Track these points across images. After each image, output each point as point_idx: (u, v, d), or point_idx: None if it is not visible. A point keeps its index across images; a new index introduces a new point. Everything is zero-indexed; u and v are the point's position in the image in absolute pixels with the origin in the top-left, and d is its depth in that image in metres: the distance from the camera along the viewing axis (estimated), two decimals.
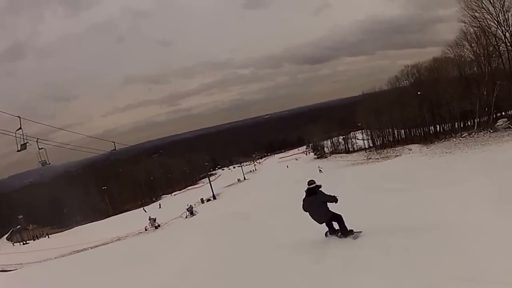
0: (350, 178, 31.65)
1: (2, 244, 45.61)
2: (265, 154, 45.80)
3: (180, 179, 42.91)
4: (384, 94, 39.01)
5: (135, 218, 37.58)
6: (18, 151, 17.79)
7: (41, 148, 18.75)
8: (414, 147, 35.99)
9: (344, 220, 8.45)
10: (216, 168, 45.38)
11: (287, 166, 42.26)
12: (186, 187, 42.68)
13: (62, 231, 44.76)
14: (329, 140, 42.10)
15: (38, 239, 44.96)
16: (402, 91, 38.07)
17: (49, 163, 19.89)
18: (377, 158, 38.05)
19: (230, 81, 45.99)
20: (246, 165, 43.84)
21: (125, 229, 34.66)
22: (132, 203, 42.11)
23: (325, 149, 41.93)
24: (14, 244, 43.64)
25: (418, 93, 35.25)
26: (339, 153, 41.16)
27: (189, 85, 51.69)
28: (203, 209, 36.11)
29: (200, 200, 38.47)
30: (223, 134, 45.02)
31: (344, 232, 8.46)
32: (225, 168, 45.35)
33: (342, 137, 41.51)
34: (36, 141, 18.01)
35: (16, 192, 46.22)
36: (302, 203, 8.78)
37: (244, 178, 42.11)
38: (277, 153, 45.17)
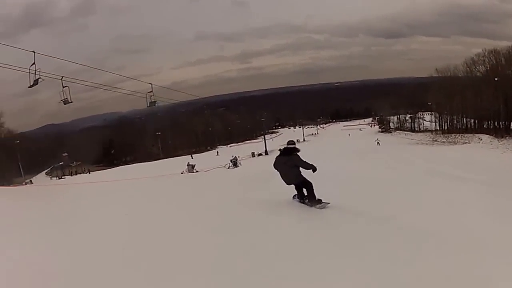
0: (412, 157, 29.61)
1: (39, 178, 44.72)
2: (330, 120, 45.66)
3: (240, 133, 42.97)
4: (457, 78, 38.27)
5: (182, 163, 36.80)
6: (30, 86, 17.79)
7: (65, 86, 18.89)
8: (485, 137, 35.46)
9: (313, 189, 8.46)
10: (279, 127, 45.37)
11: (349, 134, 42.39)
12: (244, 141, 42.38)
13: (105, 169, 44.49)
14: (396, 116, 41.81)
15: (75, 174, 45.49)
16: (477, 77, 37.38)
17: (72, 101, 20.17)
18: (443, 142, 38.04)
19: (304, 45, 45.12)
20: (309, 127, 43.72)
21: (166, 171, 33.58)
22: (186, 150, 41.85)
23: (391, 124, 41.82)
24: (52, 178, 44.85)
25: (496, 79, 34.47)
26: (404, 130, 41.19)
27: (262, 44, 50.72)
28: (249, 163, 36.03)
29: (251, 154, 39.10)
30: (291, 96, 44.46)
31: (312, 200, 8.49)
32: (288, 128, 45.26)
33: (409, 115, 41.26)
34: (61, 79, 18.01)
35: (74, 134, 46.18)
36: (274, 160, 8.97)
37: (304, 140, 41.94)
38: (342, 121, 45.04)
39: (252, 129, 44.57)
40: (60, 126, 45.14)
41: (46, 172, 46.29)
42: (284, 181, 8.65)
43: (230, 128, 42.68)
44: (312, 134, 44.60)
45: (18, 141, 45.77)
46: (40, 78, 17.68)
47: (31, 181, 43.70)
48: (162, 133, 41.67)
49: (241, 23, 46.05)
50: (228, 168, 34.10)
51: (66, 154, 49.29)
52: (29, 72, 17.63)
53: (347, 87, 42.31)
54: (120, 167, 44.23)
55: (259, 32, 46.22)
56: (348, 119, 44.26)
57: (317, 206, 8.25)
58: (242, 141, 43.61)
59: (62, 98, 19.42)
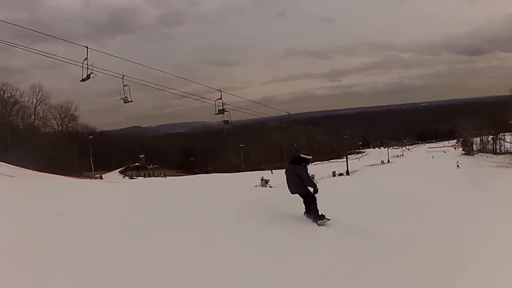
0: (488, 180, 28.04)
1: (110, 175, 45.56)
2: (416, 141, 45.79)
3: (325, 152, 43.00)
4: None
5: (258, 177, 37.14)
6: (82, 80, 18.31)
7: (126, 85, 19.14)
8: None
9: (316, 203, 7.94)
10: (365, 147, 45.37)
11: (433, 157, 42.76)
12: (330, 159, 42.52)
13: (183, 175, 44.94)
14: (478, 137, 42.13)
15: (149, 177, 46.02)
16: None
17: (131, 100, 20.19)
18: None
19: (391, 63, 45.24)
20: (395, 148, 43.86)
21: (241, 183, 33.91)
22: (269, 164, 42.13)
23: (474, 145, 42.19)
24: (124, 177, 45.62)
25: None
26: (486, 152, 41.65)
27: (350, 63, 50.41)
28: (326, 182, 33.74)
29: (331, 173, 38.86)
30: (379, 115, 44.54)
31: (313, 214, 7.95)
32: (375, 148, 45.31)
33: (491, 136, 41.57)
34: (122, 77, 18.23)
35: (157, 139, 45.95)
36: None
37: (388, 161, 42.31)
38: (427, 143, 45.18)
39: (339, 148, 44.90)
40: (145, 130, 45.08)
41: (120, 171, 46.76)
42: (289, 189, 8.33)
43: (316, 146, 42.71)
44: (397, 155, 44.92)
45: (91, 137, 46.69)
46: (92, 73, 17.86)
47: (101, 176, 44.03)
48: (246, 146, 41.69)
49: (329, 40, 45.80)
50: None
51: (143, 156, 49.59)
52: (82, 67, 17.94)
53: (433, 107, 42.35)
54: (198, 175, 44.46)
55: (347, 49, 46.11)
56: (433, 140, 44.45)
57: (318, 222, 7.84)
58: (327, 160, 43.79)
59: (122, 97, 19.56)
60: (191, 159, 45.69)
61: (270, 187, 31.30)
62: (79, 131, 47.47)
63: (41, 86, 42.46)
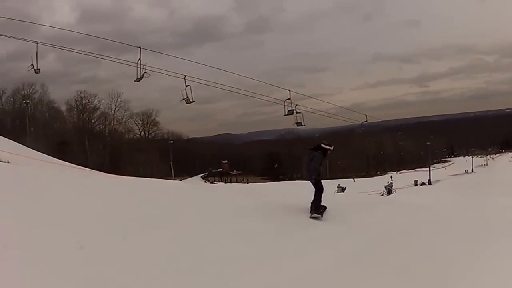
0: None
1: (191, 180, 47.05)
2: (500, 150, 46.29)
3: (412, 160, 43.53)
4: None
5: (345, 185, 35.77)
6: (136, 80, 18.23)
7: (187, 85, 18.30)
8: None
9: (321, 194, 7.75)
10: (452, 156, 45.85)
11: None
12: (416, 168, 43.10)
13: (267, 182, 45.89)
14: None
15: (230, 182, 47.01)
16: None
17: (193, 101, 19.46)
18: None
19: (476, 67, 45.57)
20: (479, 157, 44.26)
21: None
22: (354, 172, 42.92)
23: None
24: (205, 182, 46.51)
25: None
26: None
27: (437, 67, 51.08)
28: (406, 192, 34.19)
29: (413, 182, 39.08)
30: (465, 122, 45.09)
31: (314, 205, 7.69)
32: (460, 157, 45.65)
33: None
34: (184, 77, 17.58)
35: (245, 145, 47.28)
36: None
37: (472, 171, 42.86)
38: (510, 152, 45.55)
39: (425, 156, 45.22)
40: (236, 137, 46.17)
41: (202, 176, 47.90)
42: (305, 173, 8.23)
43: (403, 153, 43.32)
44: (482, 164, 45.08)
45: (171, 141, 48.34)
46: (146, 73, 17.39)
47: (180, 180, 45.55)
48: (333, 153, 42.16)
49: (415, 43, 46.67)
50: (382, 195, 31.25)
51: (226, 161, 50.68)
52: (137, 67, 17.80)
53: None
54: (281, 182, 45.47)
55: (433, 53, 47.04)
56: None
57: (312, 214, 7.49)
58: (413, 168, 44.02)
59: (184, 97, 21.70)
60: (275, 166, 46.65)
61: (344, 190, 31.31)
62: (164, 137, 49.08)
63: (120, 93, 45.58)
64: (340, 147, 44.78)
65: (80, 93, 44.70)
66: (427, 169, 43.60)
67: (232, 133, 46.55)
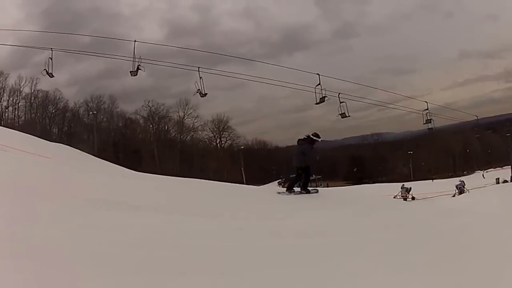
0: None
1: (270, 186, 47.89)
2: None
3: (500, 158, 42.18)
4: None
5: (427, 187, 33.16)
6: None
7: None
8: None
9: (309, 178, 9.93)
10: None
11: None
12: (503, 166, 41.83)
13: (349, 185, 45.76)
14: None
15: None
16: None
17: (206, 93, 22.55)
18: None
19: None
20: None
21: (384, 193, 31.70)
22: (439, 173, 42.11)
23: None
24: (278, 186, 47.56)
25: None
26: None
27: None
28: (482, 192, 31.34)
29: (495, 180, 37.87)
30: None
31: (303, 185, 9.73)
32: None
33: None
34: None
35: (334, 150, 47.93)
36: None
37: None
38: None
39: None
40: (331, 143, 46.72)
41: (278, 182, 48.40)
42: (294, 163, 9.95)
43: (490, 151, 42.36)
44: None
45: (242, 147, 48.92)
46: (140, 65, 20.12)
47: None
48: (419, 154, 42.17)
49: (497, 38, 46.10)
50: (454, 195, 28.02)
51: None
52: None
53: None
54: (360, 185, 45.24)
55: None
56: None
57: (302, 190, 9.63)
58: (500, 166, 42.43)
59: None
60: (354, 170, 46.90)
61: (412, 198, 29.04)
62: (239, 143, 49.99)
63: (188, 100, 46.43)
64: (424, 148, 44.41)
65: (148, 102, 46.32)
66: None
67: (327, 139, 46.86)
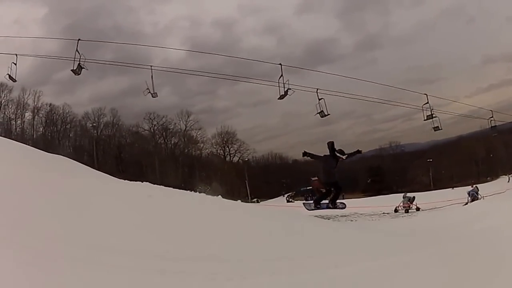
0: None
1: (278, 200, 44.97)
2: None
3: None
4: None
5: (447, 195, 31.10)
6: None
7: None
8: None
9: (339, 194, 10.66)
10: None
11: None
12: None
13: (365, 197, 44.08)
14: None
15: None
16: None
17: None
18: None
19: None
20: None
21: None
22: (462, 181, 40.21)
23: None
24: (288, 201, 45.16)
25: None
26: None
27: None
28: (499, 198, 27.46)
29: None
30: None
31: (334, 202, 10.36)
32: None
33: None
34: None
35: (352, 162, 46.38)
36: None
37: None
38: None
39: None
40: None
41: (288, 195, 46.63)
42: (324, 179, 10.42)
43: None
44: None
45: (246, 159, 47.56)
46: (80, 63, 20.12)
47: (257, 200, 43.11)
48: (440, 162, 40.80)
49: None
50: (466, 204, 26.94)
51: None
52: (74, 60, 20.58)
53: None
54: (376, 196, 43.27)
55: None
56: None
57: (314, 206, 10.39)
58: None
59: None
60: (368, 181, 45.41)
61: (417, 209, 27.72)
62: (247, 158, 48.33)
63: (190, 112, 46.01)
64: (445, 156, 42.73)
65: (150, 114, 45.48)
66: None
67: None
